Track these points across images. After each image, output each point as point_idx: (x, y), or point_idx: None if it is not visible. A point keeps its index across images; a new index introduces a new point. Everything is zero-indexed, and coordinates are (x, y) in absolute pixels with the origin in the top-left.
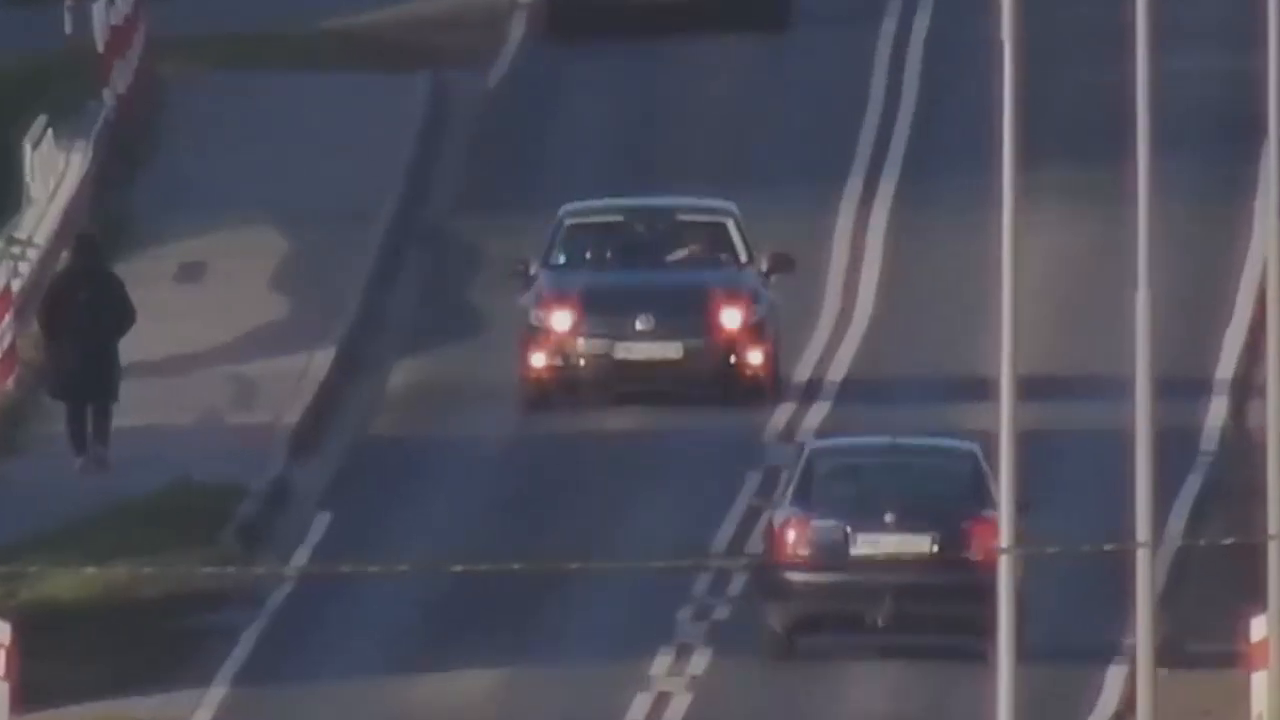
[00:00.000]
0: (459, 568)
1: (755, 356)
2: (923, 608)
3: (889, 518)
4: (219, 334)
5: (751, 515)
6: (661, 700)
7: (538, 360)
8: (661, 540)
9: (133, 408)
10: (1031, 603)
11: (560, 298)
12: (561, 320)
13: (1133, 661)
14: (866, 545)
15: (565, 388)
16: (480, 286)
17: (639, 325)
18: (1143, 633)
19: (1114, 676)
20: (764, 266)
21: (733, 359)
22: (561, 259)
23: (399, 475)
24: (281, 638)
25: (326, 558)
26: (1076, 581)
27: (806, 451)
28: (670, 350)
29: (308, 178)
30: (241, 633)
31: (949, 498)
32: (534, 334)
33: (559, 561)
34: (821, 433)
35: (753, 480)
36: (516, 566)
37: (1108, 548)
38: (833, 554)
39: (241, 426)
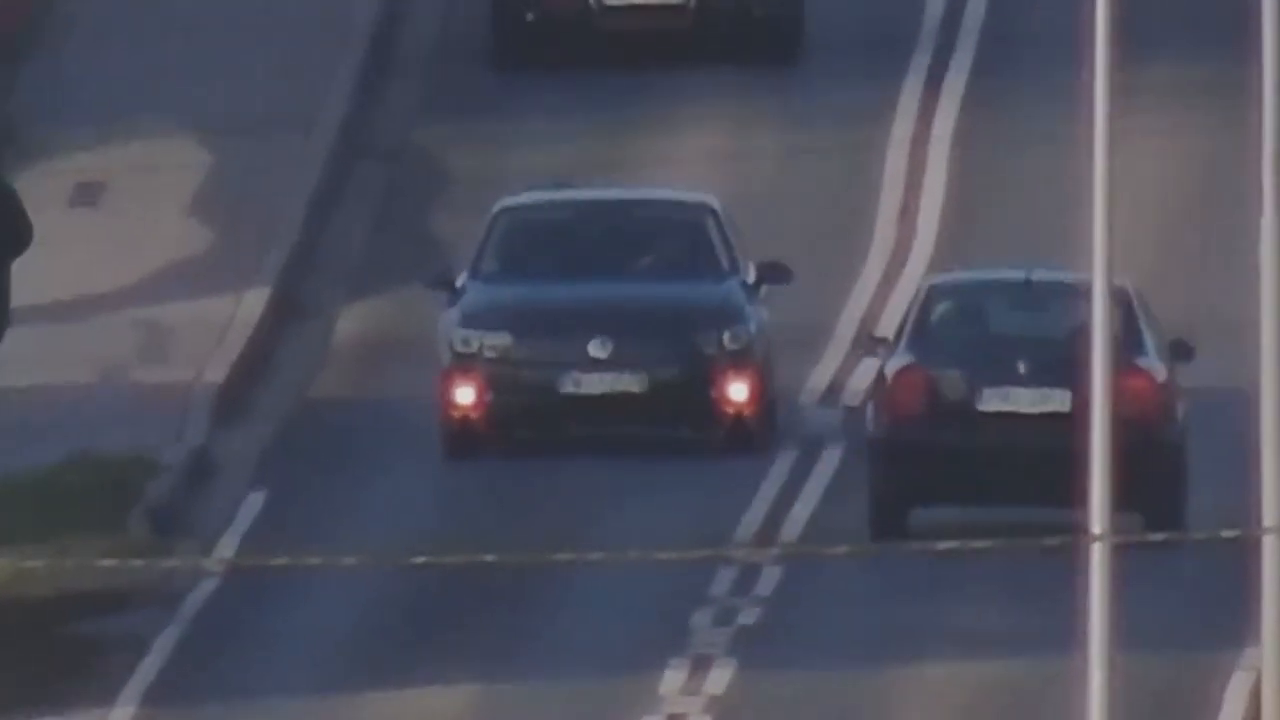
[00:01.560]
0: (421, 559)
1: (739, 391)
2: (1060, 475)
3: (1021, 368)
4: (124, 270)
5: (784, 499)
6: None
7: (463, 396)
8: (672, 527)
9: (17, 362)
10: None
11: (493, 316)
12: (495, 345)
13: (1258, 673)
14: (995, 400)
15: (498, 430)
16: (446, 212)
17: (593, 352)
18: (1270, 639)
19: (1236, 691)
20: (751, 276)
21: (711, 394)
22: (495, 266)
23: (347, 446)
24: (202, 646)
25: (258, 548)
26: (1191, 573)
27: (924, 290)
28: (631, 383)
29: (234, 77)
30: (152, 640)
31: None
32: (460, 362)
33: (546, 553)
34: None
35: (786, 457)
36: (491, 558)
37: (1226, 535)
38: (955, 410)
39: (153, 385)
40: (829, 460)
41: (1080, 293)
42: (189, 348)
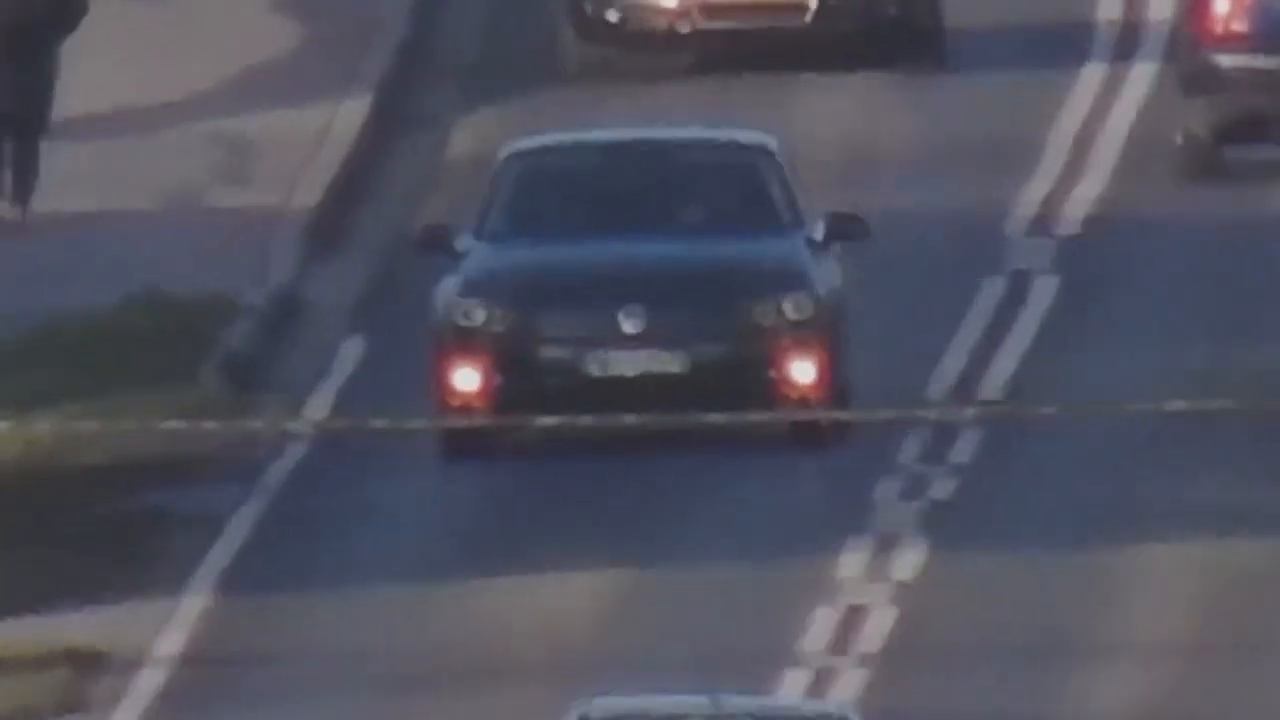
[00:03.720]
0: (550, 420)
1: (803, 372)
2: None
3: None
4: (198, 75)
5: (985, 346)
6: (854, 616)
7: (466, 380)
8: (853, 383)
9: (70, 184)
10: None
11: (503, 284)
12: (505, 319)
13: None
14: None
15: (509, 421)
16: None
17: (624, 325)
18: None
19: None
20: (819, 231)
21: (769, 375)
22: (505, 224)
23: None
24: (286, 525)
25: (355, 406)
26: None
27: None
28: (671, 362)
29: None
30: (228, 517)
31: None
32: (462, 340)
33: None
34: (1091, 221)
35: (992, 290)
36: (631, 419)
37: None
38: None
39: (232, 212)
40: (1039, 301)
41: None
42: (275, 167)
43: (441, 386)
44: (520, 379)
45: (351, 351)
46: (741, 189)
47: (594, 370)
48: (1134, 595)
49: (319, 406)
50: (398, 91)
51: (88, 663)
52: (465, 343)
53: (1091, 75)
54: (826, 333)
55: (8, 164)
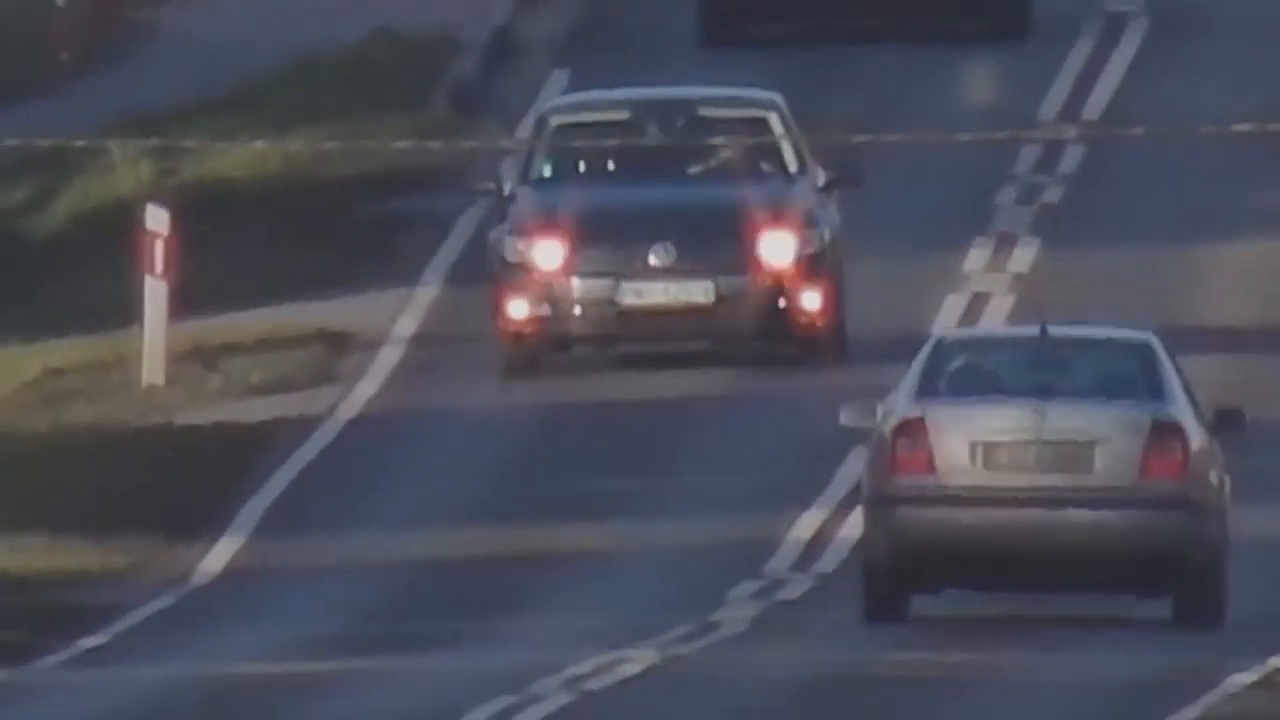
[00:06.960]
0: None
1: (811, 300)
2: None
3: None
4: None
5: (1086, 79)
6: (978, 303)
7: (517, 309)
8: (980, 113)
9: None
10: None
11: (546, 225)
12: (549, 255)
13: None
14: None
15: (555, 344)
16: None
17: (653, 260)
18: None
19: None
20: (821, 179)
21: (781, 303)
22: (547, 172)
23: (654, 23)
24: None
25: None
26: None
27: None
28: (696, 293)
29: None
30: (455, 221)
31: None
32: (513, 274)
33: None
34: None
35: (1087, 40)
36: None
37: None
38: None
39: None
40: (1130, 42)
41: None
42: None
43: (497, 315)
44: (562, 308)
45: (557, 81)
46: (754, 139)
47: (628, 300)
48: (1216, 286)
49: (528, 127)
50: None
51: (338, 341)
52: (515, 277)
53: None
54: (830, 267)
55: None
